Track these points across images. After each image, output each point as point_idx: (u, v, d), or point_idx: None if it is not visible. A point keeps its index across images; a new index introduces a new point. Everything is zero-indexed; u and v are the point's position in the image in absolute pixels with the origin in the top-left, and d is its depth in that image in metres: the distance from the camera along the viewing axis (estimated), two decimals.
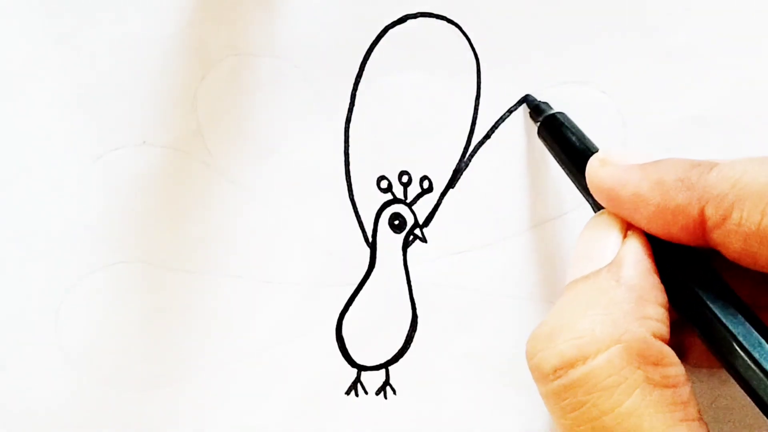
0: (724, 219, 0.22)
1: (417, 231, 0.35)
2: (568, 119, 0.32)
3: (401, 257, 0.35)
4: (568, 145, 0.29)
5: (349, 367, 0.36)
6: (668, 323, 0.23)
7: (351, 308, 0.35)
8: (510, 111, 0.35)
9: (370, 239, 0.35)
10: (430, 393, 0.36)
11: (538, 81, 0.35)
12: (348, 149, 0.35)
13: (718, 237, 0.22)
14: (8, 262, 0.35)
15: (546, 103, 0.34)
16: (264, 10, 0.34)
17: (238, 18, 0.34)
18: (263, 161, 0.35)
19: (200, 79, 0.34)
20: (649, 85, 0.34)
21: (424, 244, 0.35)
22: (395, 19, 0.34)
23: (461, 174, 0.35)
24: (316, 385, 0.35)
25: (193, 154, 0.35)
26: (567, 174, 0.29)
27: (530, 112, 0.34)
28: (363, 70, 0.35)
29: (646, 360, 0.22)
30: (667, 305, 0.23)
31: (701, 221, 0.23)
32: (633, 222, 0.24)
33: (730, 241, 0.22)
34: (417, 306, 0.35)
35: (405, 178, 0.35)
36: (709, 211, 0.22)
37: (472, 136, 0.35)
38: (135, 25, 0.34)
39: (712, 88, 0.34)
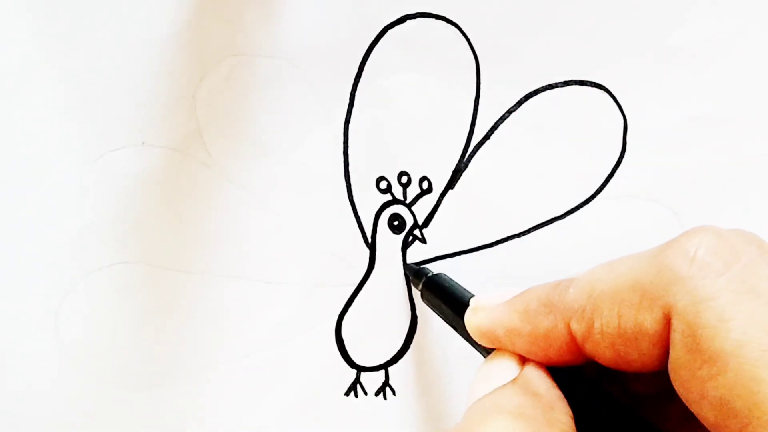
0: (589, 330, 0.22)
1: (416, 232, 0.35)
2: (448, 277, 0.33)
3: (401, 258, 0.35)
4: (454, 301, 0.31)
5: (348, 367, 0.36)
6: None
7: (350, 309, 0.35)
8: (510, 111, 0.35)
9: (370, 240, 0.35)
10: (429, 394, 0.35)
11: (537, 81, 0.35)
12: (347, 150, 0.35)
13: (589, 350, 0.22)
14: (8, 263, 0.35)
15: (424, 267, 0.35)
16: (263, 11, 0.34)
17: (238, 18, 0.34)
18: (262, 161, 0.35)
19: (199, 80, 0.34)
20: (649, 85, 0.34)
21: (423, 244, 0.35)
22: (394, 19, 0.34)
23: (461, 174, 0.35)
24: (315, 385, 0.35)
25: (192, 154, 0.34)
26: (458, 332, 0.30)
27: (412, 278, 0.35)
28: (362, 70, 0.34)
29: None
30: (572, 416, 0.23)
31: (571, 339, 0.23)
32: (516, 353, 0.25)
33: (601, 350, 0.22)
34: (416, 306, 0.35)
35: (404, 179, 0.35)
36: (574, 327, 0.22)
37: (471, 137, 0.35)
38: (134, 26, 0.34)
39: (712, 88, 0.34)
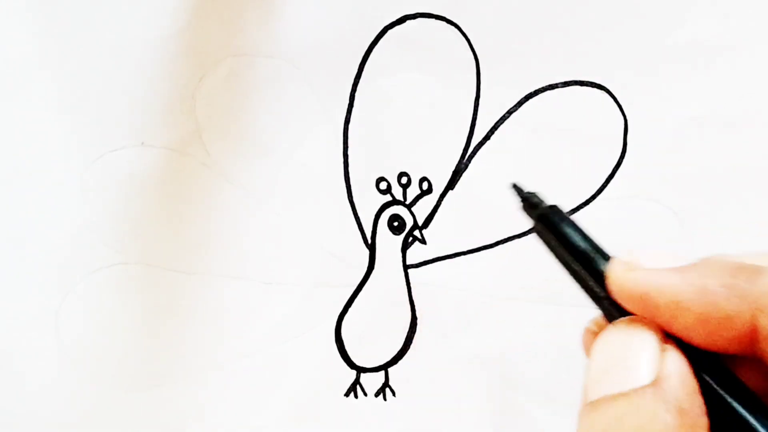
0: None
1: (416, 232, 0.35)
2: (564, 213, 0.30)
3: (401, 258, 0.35)
4: (576, 246, 0.27)
5: (348, 368, 0.36)
6: None
7: (350, 310, 0.35)
8: (510, 111, 0.35)
9: (370, 240, 0.35)
10: (429, 394, 0.35)
11: (537, 81, 0.34)
12: (347, 150, 0.35)
13: (766, 349, 0.21)
14: (8, 263, 0.35)
15: (534, 194, 0.31)
16: (263, 11, 0.34)
17: (237, 19, 0.34)
18: (262, 162, 0.35)
19: (199, 80, 0.34)
20: (649, 85, 0.34)
21: (423, 245, 0.35)
22: (394, 19, 0.34)
23: (461, 175, 0.35)
24: (315, 386, 0.35)
25: (191, 155, 0.34)
26: (571, 276, 0.28)
27: (521, 206, 0.31)
28: (362, 70, 0.34)
29: None
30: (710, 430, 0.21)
31: (751, 331, 0.21)
32: (669, 330, 0.22)
33: None
34: (416, 307, 0.35)
35: (404, 180, 0.35)
36: (764, 322, 0.20)
37: (471, 137, 0.35)
38: (134, 26, 0.34)
39: (712, 89, 0.34)
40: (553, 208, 0.29)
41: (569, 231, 0.27)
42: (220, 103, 0.34)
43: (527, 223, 0.31)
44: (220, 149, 0.34)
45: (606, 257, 0.25)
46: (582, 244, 0.27)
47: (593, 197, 0.35)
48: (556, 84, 0.34)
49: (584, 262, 0.26)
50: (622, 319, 0.23)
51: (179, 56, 0.34)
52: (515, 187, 0.30)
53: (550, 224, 0.29)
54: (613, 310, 0.24)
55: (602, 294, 0.24)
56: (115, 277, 0.35)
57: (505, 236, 0.35)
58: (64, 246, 0.35)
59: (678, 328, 0.22)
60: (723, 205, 0.35)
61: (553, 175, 0.35)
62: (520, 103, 0.35)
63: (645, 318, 0.23)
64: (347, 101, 0.35)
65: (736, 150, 0.34)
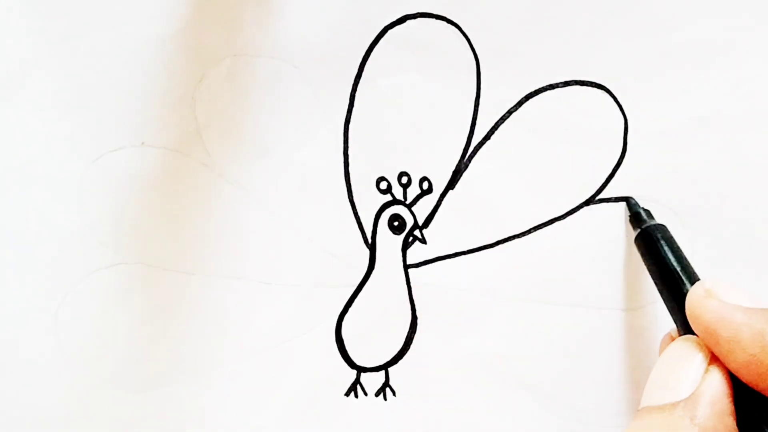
0: None
1: (416, 232, 0.35)
2: (668, 233, 0.32)
3: (401, 258, 0.35)
4: (664, 263, 0.29)
5: (348, 368, 0.36)
6: None
7: (350, 309, 0.35)
8: (510, 111, 0.35)
9: (370, 240, 0.35)
10: (429, 394, 0.35)
11: (537, 81, 0.34)
12: (347, 150, 0.35)
13: None
14: (8, 263, 0.35)
15: (647, 211, 0.34)
16: (263, 11, 0.34)
17: (237, 18, 0.34)
18: (262, 162, 0.35)
19: (199, 80, 0.34)
20: (649, 85, 0.34)
21: (423, 245, 0.35)
22: (395, 19, 0.34)
23: (461, 175, 0.35)
24: (315, 386, 0.35)
25: (191, 155, 0.34)
26: (659, 289, 0.29)
27: (630, 218, 0.34)
28: (362, 70, 0.34)
29: None
30: None
31: None
32: (725, 362, 0.23)
33: None
34: (416, 307, 0.35)
35: (404, 179, 0.35)
36: None
37: (471, 137, 0.35)
38: (134, 26, 0.34)
39: (712, 88, 0.34)
40: (659, 226, 0.31)
41: (664, 249, 0.30)
42: (220, 103, 0.34)
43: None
44: (220, 149, 0.34)
45: (692, 280, 0.27)
46: (673, 262, 0.29)
47: (593, 197, 0.35)
48: (556, 84, 0.35)
49: (670, 280, 0.27)
50: (683, 336, 0.24)
51: (179, 56, 0.34)
52: (629, 201, 0.33)
53: (649, 240, 0.31)
54: (684, 327, 0.25)
55: (679, 310, 0.25)
56: (115, 277, 0.35)
57: (505, 236, 0.35)
58: (64, 246, 0.35)
59: (732, 362, 0.23)
60: (723, 205, 0.35)
61: (553, 174, 0.35)
62: (520, 103, 0.35)
63: (703, 341, 0.24)
64: (347, 101, 0.35)
65: (736, 150, 0.34)
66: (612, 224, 0.35)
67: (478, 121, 0.35)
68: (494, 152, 0.35)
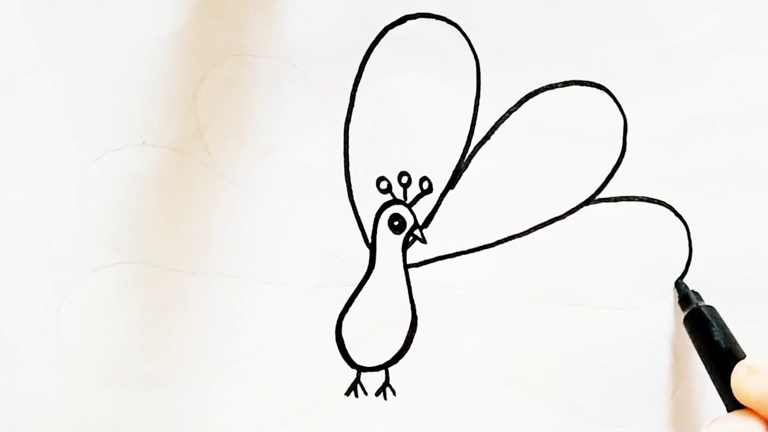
0: None
1: (417, 232, 0.35)
2: (715, 313, 0.32)
3: (401, 258, 0.35)
4: (712, 342, 0.31)
5: (348, 367, 0.36)
6: None
7: (351, 309, 0.35)
8: (510, 111, 0.35)
9: (370, 240, 0.35)
10: (429, 394, 0.35)
11: (537, 81, 0.35)
12: (347, 150, 0.35)
13: None
14: (9, 263, 0.35)
15: (696, 293, 0.34)
16: (264, 11, 0.34)
17: (238, 19, 0.34)
18: (263, 162, 0.35)
19: (200, 80, 0.34)
20: (649, 85, 0.34)
21: (423, 245, 0.35)
22: (395, 19, 0.34)
23: (461, 175, 0.35)
24: (315, 385, 0.35)
25: (192, 154, 0.35)
26: (707, 369, 0.30)
27: (679, 299, 0.34)
28: (363, 70, 0.34)
29: None
30: None
31: None
32: None
33: None
34: (417, 307, 0.35)
35: (405, 179, 0.35)
36: None
37: (471, 137, 0.35)
38: (135, 26, 0.34)
39: (712, 88, 0.34)
40: (709, 308, 0.32)
41: (712, 329, 0.31)
42: (221, 103, 0.34)
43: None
44: (221, 149, 0.35)
45: (739, 359, 0.28)
46: (720, 342, 0.30)
47: (593, 197, 0.35)
48: (556, 84, 0.35)
49: (717, 358, 0.28)
50: (738, 411, 0.26)
51: (180, 56, 0.34)
52: (678, 284, 0.34)
53: (699, 320, 0.32)
54: (733, 405, 0.26)
55: (727, 389, 0.26)
56: (115, 277, 0.35)
57: (505, 236, 0.35)
58: (65, 246, 0.35)
59: None
60: (723, 205, 0.35)
61: (553, 174, 0.35)
62: (520, 103, 0.35)
63: (756, 412, 0.25)
64: (347, 101, 0.35)
65: (736, 150, 0.34)
66: (612, 224, 0.35)
67: (478, 121, 0.35)
68: (494, 152, 0.35)
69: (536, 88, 0.35)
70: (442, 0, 0.34)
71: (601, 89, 0.35)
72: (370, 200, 0.35)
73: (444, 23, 0.34)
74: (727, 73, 0.34)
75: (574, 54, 0.34)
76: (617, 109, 0.35)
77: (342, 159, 0.35)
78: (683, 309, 0.34)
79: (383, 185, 0.35)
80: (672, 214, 0.35)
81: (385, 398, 0.36)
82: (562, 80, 0.35)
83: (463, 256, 0.35)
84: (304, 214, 0.35)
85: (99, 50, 0.34)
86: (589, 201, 0.35)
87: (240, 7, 0.34)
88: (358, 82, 0.35)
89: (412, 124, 0.35)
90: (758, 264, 0.35)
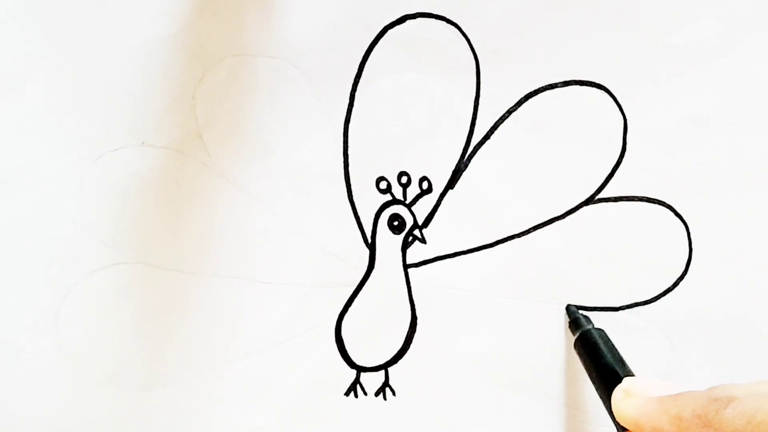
0: None
1: (416, 232, 0.35)
2: (604, 335, 0.33)
3: (400, 258, 0.35)
4: (599, 365, 0.31)
5: (348, 368, 0.36)
6: None
7: (350, 309, 0.35)
8: (510, 111, 0.35)
9: (370, 240, 0.35)
10: (429, 394, 0.35)
11: (537, 81, 0.35)
12: (347, 150, 0.35)
13: None
14: (8, 263, 0.35)
15: (586, 317, 0.34)
16: (263, 11, 0.34)
17: (237, 18, 0.34)
18: (262, 162, 0.35)
19: (199, 80, 0.34)
20: (649, 85, 0.34)
21: (423, 244, 0.35)
22: (394, 19, 0.34)
23: (460, 175, 0.35)
24: (315, 385, 0.35)
25: (192, 154, 0.34)
26: (597, 392, 0.31)
27: (569, 323, 0.35)
28: (362, 70, 0.34)
29: None
30: None
31: None
32: None
33: None
34: (416, 307, 0.35)
35: (404, 179, 0.35)
36: None
37: (471, 137, 0.35)
38: (134, 26, 0.34)
39: (712, 88, 0.34)
40: (598, 330, 0.33)
41: (600, 352, 0.31)
42: (221, 103, 0.34)
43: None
44: (221, 149, 0.35)
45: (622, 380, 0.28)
46: (607, 365, 0.31)
47: (593, 197, 0.35)
48: (556, 84, 0.35)
49: (605, 380, 0.29)
50: None
51: (179, 56, 0.34)
52: (568, 308, 0.34)
53: (587, 343, 0.32)
54: (617, 424, 0.27)
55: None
56: (115, 277, 0.35)
57: (505, 236, 0.35)
58: (64, 246, 0.35)
59: None
60: (723, 205, 0.35)
61: (552, 174, 0.35)
62: (519, 103, 0.35)
63: None
64: (347, 101, 0.35)
65: (736, 150, 0.34)
66: (612, 224, 0.35)
67: (477, 121, 0.35)
68: (494, 152, 0.35)
69: (536, 87, 0.35)
70: (441, 0, 0.34)
71: (601, 89, 0.34)
72: (369, 200, 0.35)
73: (444, 23, 0.34)
74: (727, 73, 0.34)
75: (574, 54, 0.34)
76: (617, 109, 0.35)
77: (341, 159, 0.35)
78: (573, 332, 0.34)
79: (383, 185, 0.35)
80: (672, 214, 0.35)
81: (385, 398, 0.36)
82: (562, 80, 0.34)
83: (462, 256, 0.35)
84: (303, 214, 0.35)
85: (98, 50, 0.34)
86: (589, 201, 0.35)
87: (239, 7, 0.34)
88: (358, 81, 0.35)
89: (411, 124, 0.35)
90: (758, 264, 0.35)
